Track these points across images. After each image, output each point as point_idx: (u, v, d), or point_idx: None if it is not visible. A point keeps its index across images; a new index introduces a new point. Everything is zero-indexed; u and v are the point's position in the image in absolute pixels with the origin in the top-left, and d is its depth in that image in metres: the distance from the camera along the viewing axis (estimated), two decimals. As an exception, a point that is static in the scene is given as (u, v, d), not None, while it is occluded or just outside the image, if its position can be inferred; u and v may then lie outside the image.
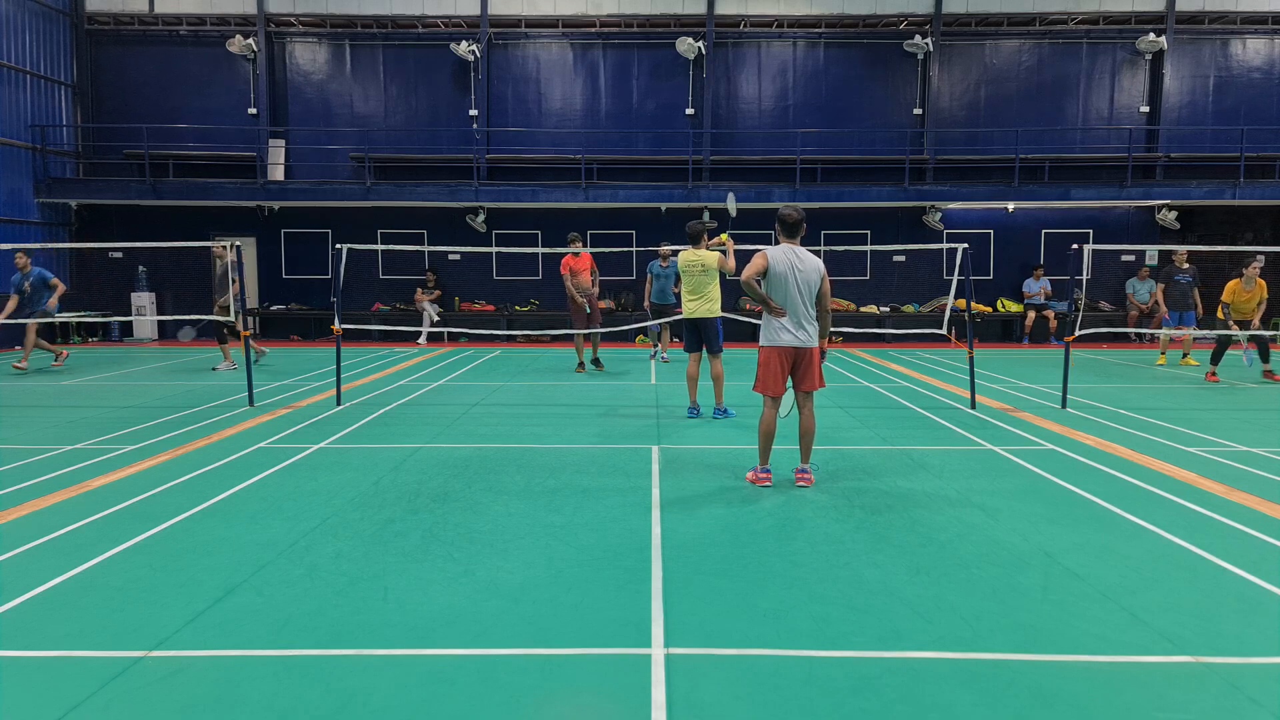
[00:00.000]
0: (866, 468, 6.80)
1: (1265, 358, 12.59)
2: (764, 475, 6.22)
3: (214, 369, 13.48)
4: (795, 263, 6.09)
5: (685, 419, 8.99)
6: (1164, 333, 14.01)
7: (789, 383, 6.30)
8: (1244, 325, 12.35)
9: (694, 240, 9.07)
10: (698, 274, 8.96)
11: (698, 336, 9.13)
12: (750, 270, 6.13)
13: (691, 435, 8.17)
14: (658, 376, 12.69)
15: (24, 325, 13.09)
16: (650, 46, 20.11)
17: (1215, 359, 12.40)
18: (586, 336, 13.03)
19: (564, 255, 12.79)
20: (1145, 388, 11.69)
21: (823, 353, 6.36)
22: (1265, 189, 18.80)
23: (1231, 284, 12.34)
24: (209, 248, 13.43)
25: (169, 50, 20.21)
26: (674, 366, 13.85)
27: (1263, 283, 12.31)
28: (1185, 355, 14.45)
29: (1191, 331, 14.04)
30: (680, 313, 9.53)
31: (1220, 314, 12.46)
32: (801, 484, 6.20)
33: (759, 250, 6.20)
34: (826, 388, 11.65)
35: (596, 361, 13.40)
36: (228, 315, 13.08)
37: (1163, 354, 14.93)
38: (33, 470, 6.59)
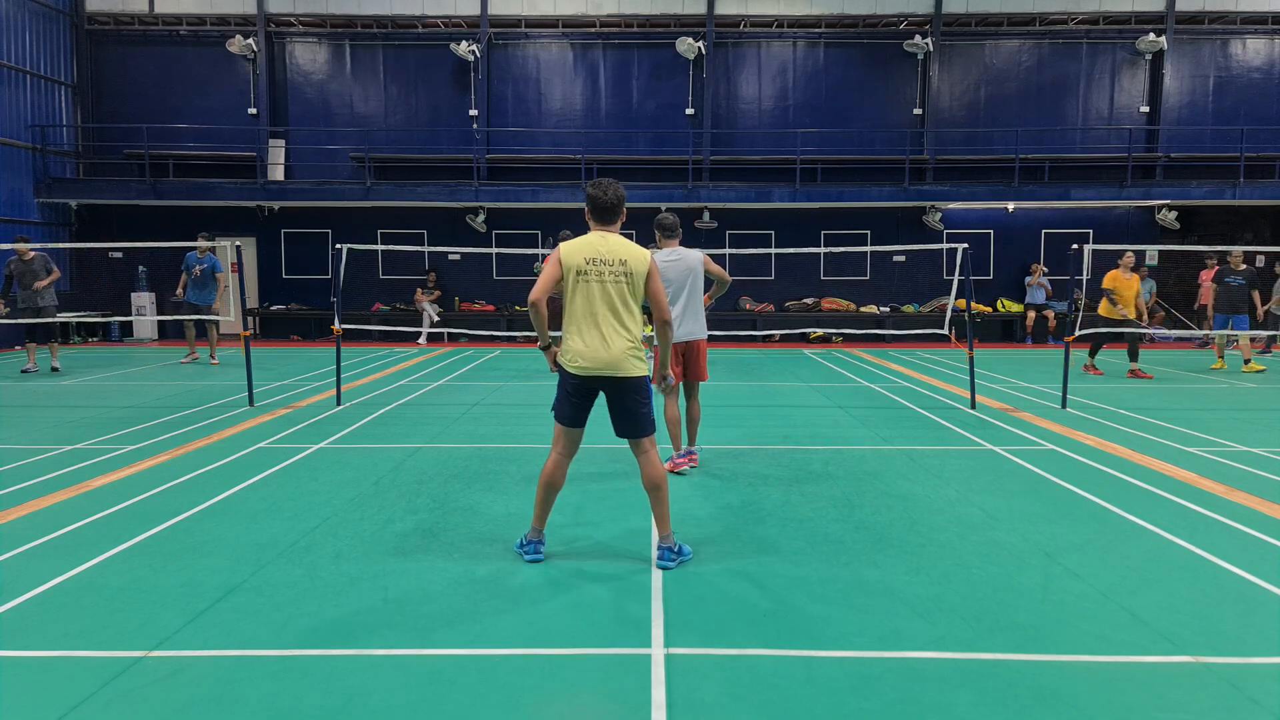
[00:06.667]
0: (866, 468, 6.80)
1: (1134, 356, 12.86)
2: (681, 460, 6.56)
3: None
4: (678, 261, 6.49)
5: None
6: (1183, 332, 13.91)
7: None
8: (1127, 318, 12.66)
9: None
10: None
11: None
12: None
13: (691, 435, 8.15)
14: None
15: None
16: (650, 46, 20.10)
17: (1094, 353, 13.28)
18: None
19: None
20: (1145, 388, 11.69)
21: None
22: (1265, 189, 18.81)
23: (1112, 272, 12.68)
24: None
25: (169, 50, 20.21)
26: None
27: (1137, 276, 12.81)
28: (1247, 361, 13.34)
29: (1228, 333, 13.48)
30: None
31: (1106, 306, 12.72)
32: (690, 466, 6.58)
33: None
34: (825, 386, 11.79)
35: None
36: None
37: (1220, 359, 13.87)
38: (33, 470, 6.59)
